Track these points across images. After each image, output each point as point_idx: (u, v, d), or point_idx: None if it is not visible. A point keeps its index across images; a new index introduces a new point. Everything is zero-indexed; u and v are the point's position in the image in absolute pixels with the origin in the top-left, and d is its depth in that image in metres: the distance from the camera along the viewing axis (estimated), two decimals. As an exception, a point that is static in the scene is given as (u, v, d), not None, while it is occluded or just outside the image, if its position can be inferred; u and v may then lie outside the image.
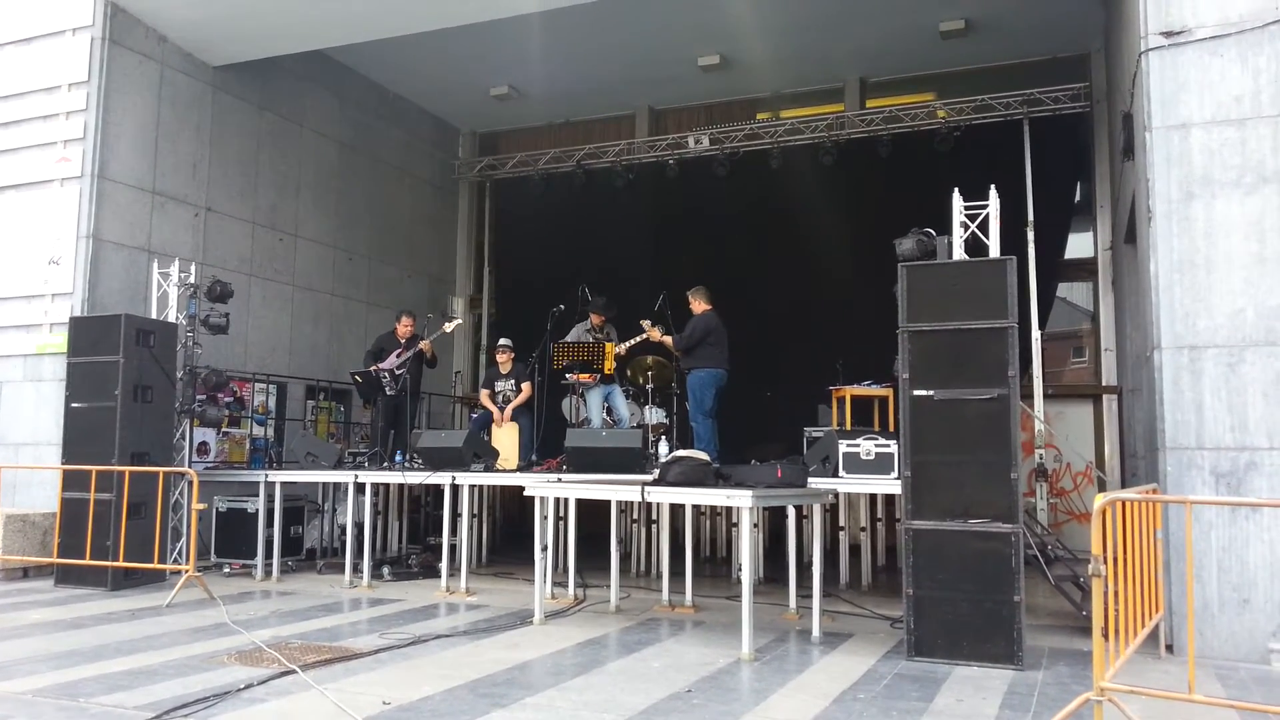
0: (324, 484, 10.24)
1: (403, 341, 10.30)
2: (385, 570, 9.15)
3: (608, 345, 9.81)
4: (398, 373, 10.05)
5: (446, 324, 10.62)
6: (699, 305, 9.50)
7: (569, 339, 10.04)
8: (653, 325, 9.62)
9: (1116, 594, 4.67)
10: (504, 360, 10.39)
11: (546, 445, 9.88)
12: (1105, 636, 3.99)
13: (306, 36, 10.92)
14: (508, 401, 10.17)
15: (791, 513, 7.46)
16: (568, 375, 9.90)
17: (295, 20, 10.32)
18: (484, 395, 10.41)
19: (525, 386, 10.10)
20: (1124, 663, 4.49)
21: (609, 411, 10.17)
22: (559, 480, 7.61)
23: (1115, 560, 4.64)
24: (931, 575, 5.74)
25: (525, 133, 15.54)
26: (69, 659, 5.54)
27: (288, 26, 10.46)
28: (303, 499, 10.02)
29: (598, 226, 14.01)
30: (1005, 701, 4.80)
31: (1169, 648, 5.93)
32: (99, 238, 9.72)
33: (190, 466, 9.16)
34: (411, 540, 11.09)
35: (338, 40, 11.21)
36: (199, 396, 9.46)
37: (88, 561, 8.16)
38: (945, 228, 6.39)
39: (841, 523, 9.08)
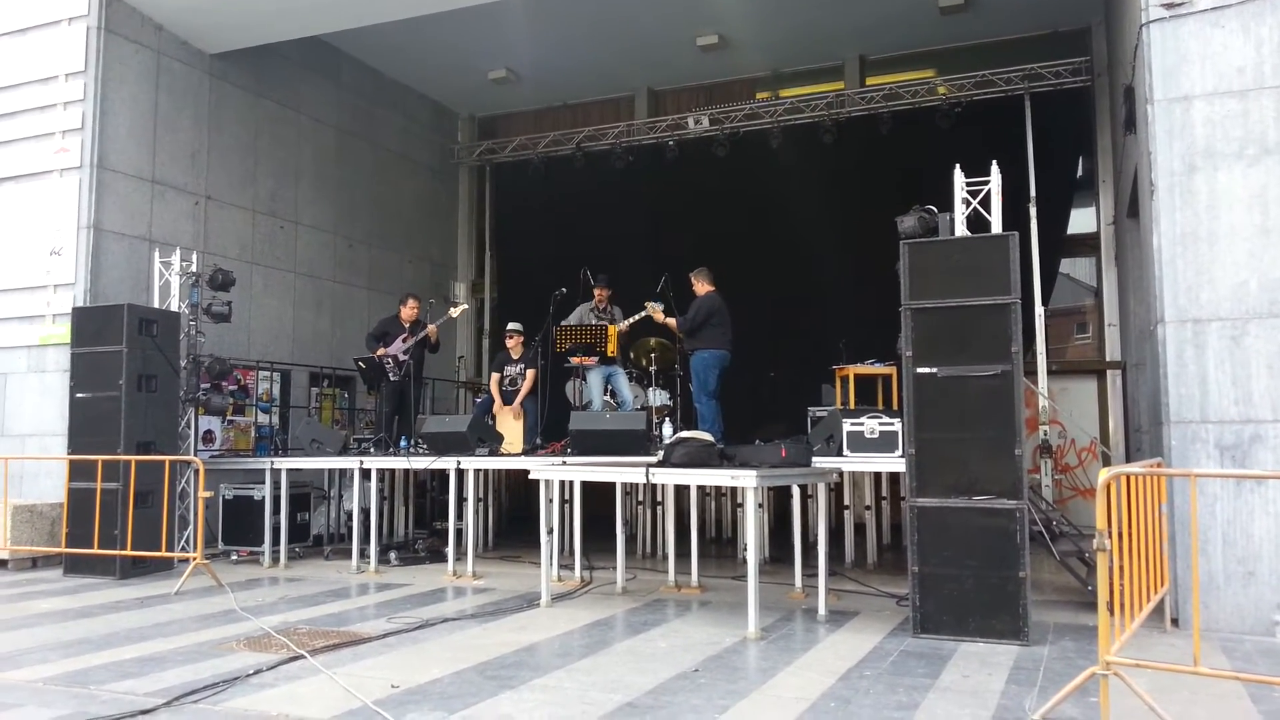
0: (330, 470, 10.27)
1: (407, 325, 10.28)
2: (392, 555, 9.19)
3: (610, 327, 9.81)
4: (402, 359, 10.05)
5: (452, 309, 10.58)
6: (702, 286, 9.48)
7: (571, 320, 10.03)
8: (656, 307, 9.61)
9: (1122, 568, 4.67)
10: (514, 345, 10.39)
11: (551, 429, 9.89)
12: (1110, 611, 4.00)
13: (303, 22, 10.86)
14: (514, 385, 10.17)
15: (796, 492, 7.47)
16: (570, 359, 9.90)
17: (291, 6, 10.27)
18: (493, 380, 10.41)
19: (530, 374, 10.10)
20: (1129, 637, 4.50)
21: (612, 394, 10.17)
22: (564, 463, 7.62)
23: (1120, 535, 4.64)
24: (937, 552, 5.75)
25: (524, 116, 15.49)
26: (79, 647, 5.57)
27: (283, 12, 10.41)
28: (309, 485, 10.05)
29: (598, 209, 13.98)
30: (1011, 677, 4.81)
31: (1174, 621, 5.94)
32: (99, 228, 9.71)
33: (196, 455, 9.18)
34: (418, 525, 11.12)
35: (334, 25, 11.15)
36: (203, 385, 9.48)
37: (96, 551, 8.19)
38: (947, 204, 6.36)
39: (846, 501, 9.09)
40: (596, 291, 10.07)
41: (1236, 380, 5.98)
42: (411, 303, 10.40)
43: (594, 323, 9.95)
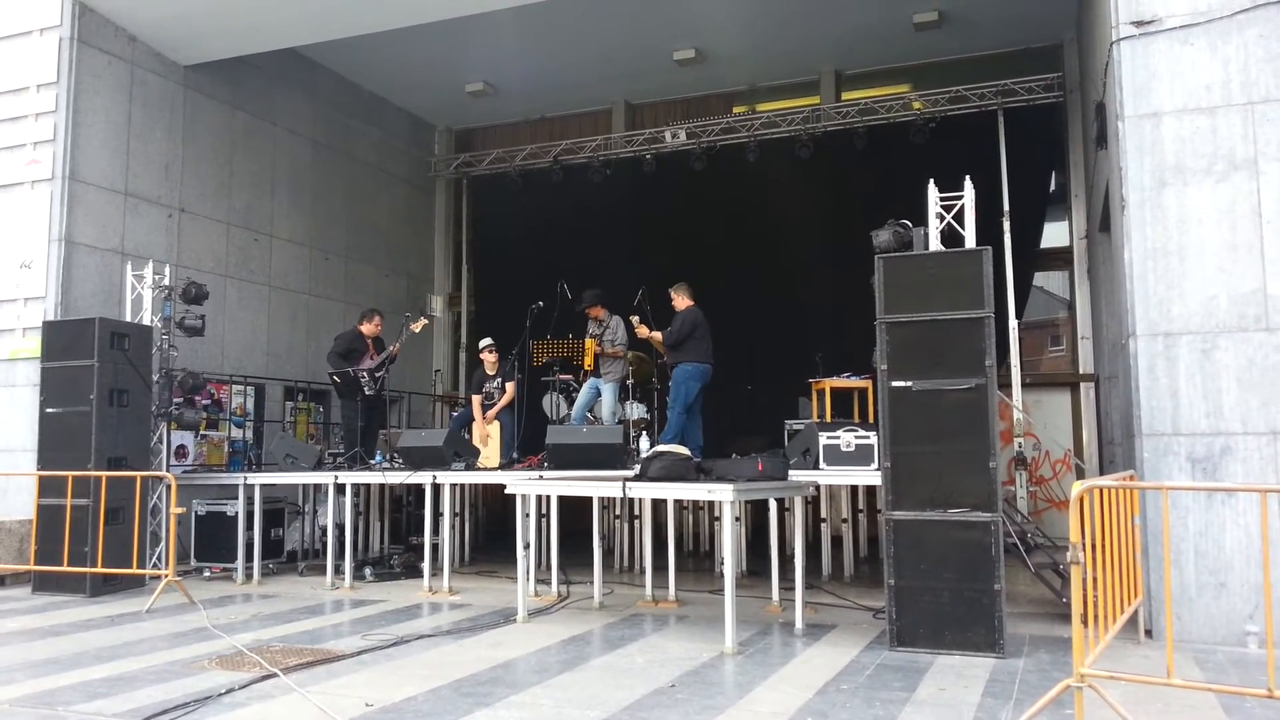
0: (304, 485, 10.18)
1: (370, 341, 10.19)
2: (367, 571, 9.10)
3: (587, 341, 9.82)
4: (379, 375, 9.98)
5: (413, 325, 10.41)
6: (682, 301, 9.45)
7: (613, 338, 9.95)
8: (640, 322, 9.58)
9: (1096, 580, 4.70)
10: (490, 361, 10.32)
11: (527, 443, 9.86)
12: (1085, 623, 4.02)
13: (278, 34, 10.82)
14: (492, 400, 10.12)
15: (773, 506, 7.47)
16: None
17: (266, 18, 10.23)
18: (475, 401, 10.26)
19: (509, 387, 10.07)
20: (1104, 648, 4.52)
21: (591, 409, 10.14)
22: (540, 478, 7.60)
23: (1094, 547, 4.67)
24: (913, 565, 5.77)
25: (501, 129, 15.49)
26: (48, 667, 5.48)
27: (258, 24, 10.36)
28: (283, 501, 9.95)
29: (576, 222, 13.97)
30: (987, 690, 4.83)
31: (1148, 632, 5.99)
32: (71, 240, 9.61)
33: (168, 470, 9.09)
34: (393, 540, 11.05)
35: (309, 38, 11.12)
36: (175, 399, 9.38)
37: (65, 568, 8.08)
38: (921, 219, 6.41)
39: (823, 515, 9.11)
40: (591, 312, 10.00)
41: (1207, 393, 6.05)
42: (376, 319, 10.29)
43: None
